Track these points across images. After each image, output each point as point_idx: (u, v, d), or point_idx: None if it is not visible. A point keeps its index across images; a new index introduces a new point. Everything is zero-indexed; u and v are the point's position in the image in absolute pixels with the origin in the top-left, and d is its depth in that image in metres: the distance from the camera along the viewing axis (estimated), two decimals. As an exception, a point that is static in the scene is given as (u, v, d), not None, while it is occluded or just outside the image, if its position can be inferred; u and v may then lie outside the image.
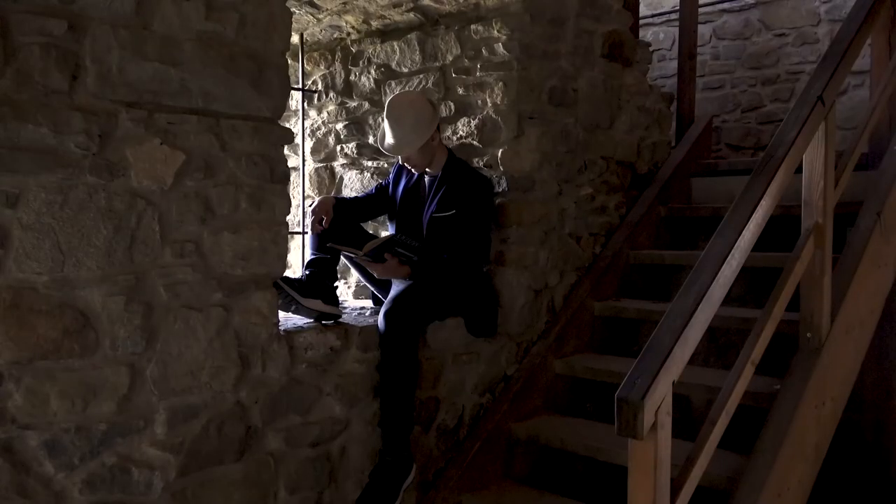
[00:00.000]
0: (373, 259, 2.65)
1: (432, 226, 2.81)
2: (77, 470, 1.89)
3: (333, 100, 3.52)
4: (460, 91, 3.08)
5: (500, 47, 2.95)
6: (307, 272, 2.68)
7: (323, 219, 2.72)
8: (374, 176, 3.40)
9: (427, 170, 2.86)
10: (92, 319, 1.89)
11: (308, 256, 2.78)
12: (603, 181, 3.43)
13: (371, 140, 3.35)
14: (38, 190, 1.79)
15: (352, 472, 2.51)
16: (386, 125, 2.77)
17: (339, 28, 3.36)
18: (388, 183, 3.01)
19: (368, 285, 3.00)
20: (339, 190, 3.54)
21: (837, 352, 2.47)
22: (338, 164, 3.56)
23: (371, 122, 3.37)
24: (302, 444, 2.36)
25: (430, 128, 2.72)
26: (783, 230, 2.57)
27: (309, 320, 2.51)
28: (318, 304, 2.50)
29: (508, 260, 2.99)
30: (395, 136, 2.74)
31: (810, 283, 2.37)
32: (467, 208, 2.76)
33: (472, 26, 3.01)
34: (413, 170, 2.87)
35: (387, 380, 2.52)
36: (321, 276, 2.65)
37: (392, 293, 2.72)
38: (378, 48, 3.31)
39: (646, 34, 5.41)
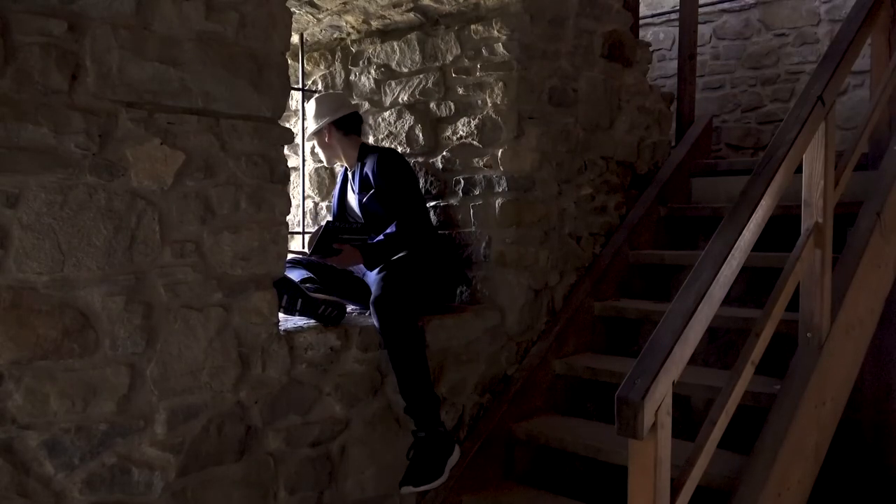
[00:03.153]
0: (324, 255, 2.66)
1: (365, 212, 2.92)
2: (77, 470, 1.89)
3: (333, 100, 3.51)
4: (460, 91, 3.08)
5: (500, 47, 2.95)
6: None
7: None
8: (374, 176, 3.40)
9: (345, 165, 3.04)
10: (92, 319, 1.89)
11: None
12: (603, 181, 3.43)
13: (371, 140, 3.35)
14: (38, 190, 1.80)
15: (352, 472, 2.50)
16: None
17: (339, 28, 3.36)
18: (336, 195, 3.15)
19: (349, 304, 2.86)
20: (339, 190, 3.54)
21: (837, 352, 2.47)
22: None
23: (371, 122, 3.36)
24: (302, 444, 2.36)
25: (323, 118, 2.91)
26: (783, 230, 2.57)
27: (309, 320, 2.51)
28: (322, 295, 2.52)
29: (508, 260, 2.99)
30: None
31: (810, 283, 2.37)
32: (383, 179, 2.83)
33: (472, 26, 3.01)
34: (326, 163, 3.13)
35: (398, 362, 2.48)
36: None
37: (373, 285, 2.70)
38: (378, 48, 3.31)
39: (646, 34, 5.41)
